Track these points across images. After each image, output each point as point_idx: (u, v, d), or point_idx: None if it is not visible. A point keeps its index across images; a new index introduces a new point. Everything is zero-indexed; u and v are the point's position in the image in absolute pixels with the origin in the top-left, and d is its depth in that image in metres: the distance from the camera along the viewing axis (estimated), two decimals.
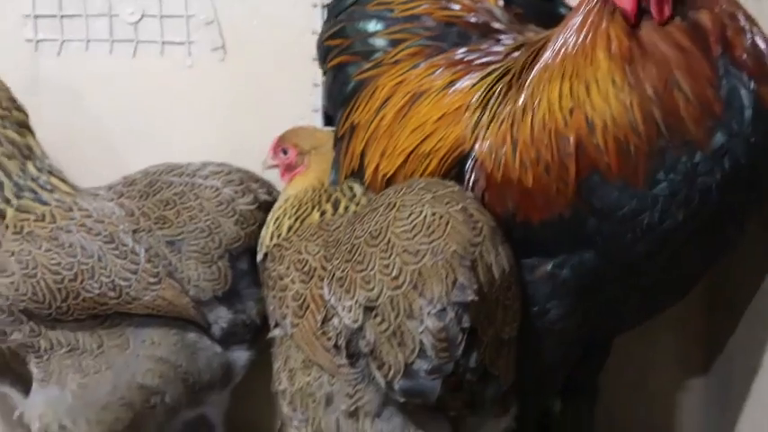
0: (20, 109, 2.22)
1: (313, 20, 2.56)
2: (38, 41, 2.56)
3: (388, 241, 1.87)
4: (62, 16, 2.55)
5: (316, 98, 2.60)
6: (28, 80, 2.56)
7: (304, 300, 2.04)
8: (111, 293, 2.15)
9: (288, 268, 2.10)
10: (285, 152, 2.31)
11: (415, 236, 1.85)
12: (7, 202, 2.13)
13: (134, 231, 2.23)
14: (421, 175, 2.11)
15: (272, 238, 2.21)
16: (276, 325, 2.13)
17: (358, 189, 2.21)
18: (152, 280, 2.19)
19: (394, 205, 1.92)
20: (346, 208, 2.18)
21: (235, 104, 2.61)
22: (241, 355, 2.35)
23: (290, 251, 2.13)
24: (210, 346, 2.29)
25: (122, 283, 2.17)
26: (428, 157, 2.11)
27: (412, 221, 1.87)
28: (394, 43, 2.20)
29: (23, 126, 2.21)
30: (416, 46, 2.19)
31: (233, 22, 2.57)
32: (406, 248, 1.84)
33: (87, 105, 2.58)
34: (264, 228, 2.27)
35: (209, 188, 2.33)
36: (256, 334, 2.35)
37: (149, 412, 2.22)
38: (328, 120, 2.56)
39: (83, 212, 2.19)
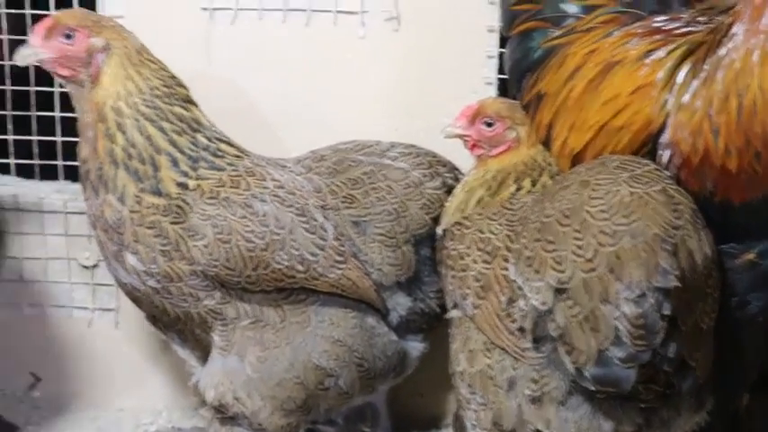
0: (181, 84, 2.22)
1: None
2: (213, 10, 2.56)
3: (583, 221, 1.77)
4: None
5: (489, 70, 2.54)
6: (202, 48, 2.56)
7: (487, 280, 1.96)
8: (299, 267, 2.12)
9: (469, 247, 2.03)
10: (489, 124, 2.17)
11: (612, 216, 1.75)
12: (185, 174, 2.13)
13: (322, 208, 2.19)
14: (612, 151, 2.00)
15: (456, 211, 2.13)
16: (455, 305, 2.07)
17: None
18: (338, 258, 2.15)
19: (587, 183, 1.82)
20: (543, 185, 2.09)
21: (407, 76, 2.55)
22: (416, 346, 2.29)
23: (470, 230, 2.06)
24: (387, 333, 2.24)
25: (310, 258, 2.13)
26: (620, 131, 2.00)
27: (608, 201, 1.76)
28: (587, 10, 2.10)
29: (188, 101, 2.21)
30: (611, 13, 2.08)
31: None
32: (602, 229, 1.74)
33: (259, 74, 2.57)
34: (450, 199, 2.19)
35: (398, 170, 2.28)
36: (432, 324, 2.29)
37: (322, 394, 2.19)
38: (502, 93, 2.49)
39: (276, 183, 2.17)
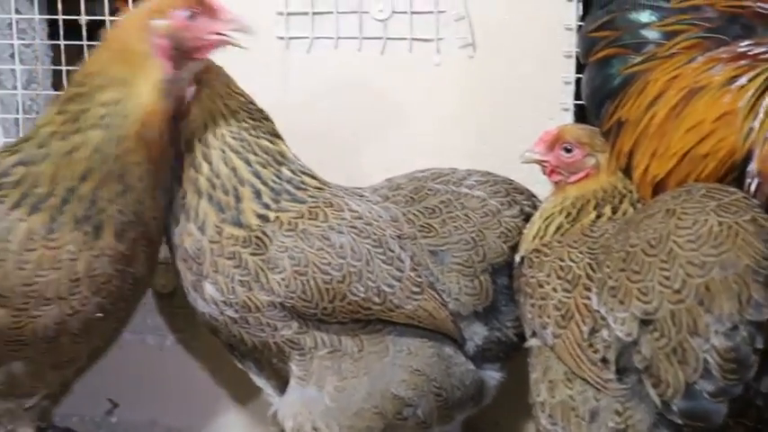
0: (267, 118, 2.23)
1: (567, 14, 2.47)
2: (289, 39, 2.58)
3: (669, 251, 1.74)
4: (314, 13, 2.56)
5: (566, 96, 2.51)
6: (279, 76, 2.59)
7: (567, 309, 1.93)
8: (376, 299, 2.11)
9: (548, 275, 2.00)
10: (569, 150, 2.15)
11: (700, 246, 1.71)
12: (267, 207, 2.13)
13: (399, 237, 2.18)
14: (696, 179, 1.97)
15: (535, 238, 2.10)
16: (533, 334, 2.04)
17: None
18: (415, 289, 2.13)
19: (674, 212, 1.78)
20: (624, 212, 2.06)
21: (482, 102, 2.55)
22: (493, 375, 2.26)
23: (550, 258, 2.03)
24: (464, 362, 2.21)
25: (387, 290, 2.11)
26: (705, 159, 1.96)
27: (696, 231, 1.73)
28: (669, 36, 2.07)
29: (273, 134, 2.22)
30: (694, 38, 2.04)
31: (483, 17, 2.51)
32: (690, 260, 1.70)
33: (335, 101, 2.58)
34: (528, 226, 2.17)
35: (476, 198, 2.25)
36: (510, 353, 2.26)
37: (400, 424, 2.17)
38: (579, 119, 2.47)
39: (353, 214, 2.16)
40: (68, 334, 2.03)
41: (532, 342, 2.04)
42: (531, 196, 2.33)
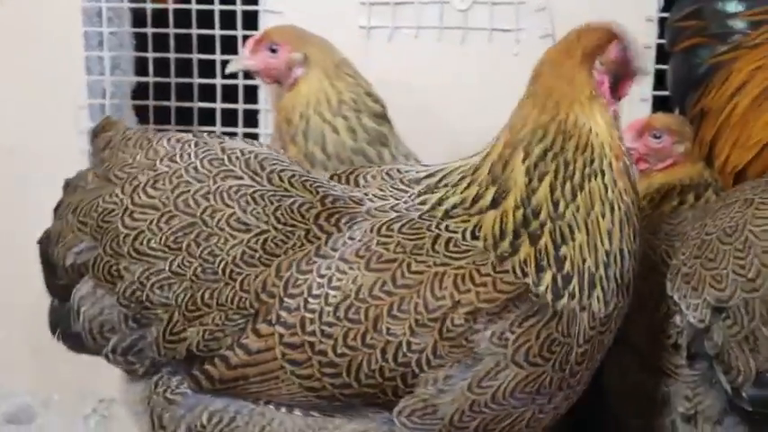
0: (377, 101, 2.25)
1: (649, 6, 2.47)
2: (370, 28, 2.64)
3: (745, 240, 1.74)
4: (395, 3, 2.61)
5: (644, 87, 2.51)
6: (359, 66, 2.62)
7: (641, 295, 1.95)
8: None
9: None
10: (657, 137, 2.12)
11: None
12: None
13: None
14: None
15: None
16: None
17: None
18: None
19: (751, 202, 1.79)
20: (707, 200, 2.06)
21: None
22: None
23: None
24: None
25: None
26: None
27: None
28: (755, 25, 2.08)
29: (381, 116, 2.23)
30: None
31: (564, 8, 2.53)
32: (765, 249, 1.71)
33: (414, 91, 2.61)
34: None
35: None
36: None
37: None
38: (656, 109, 2.47)
39: None
40: None
41: None
42: None
